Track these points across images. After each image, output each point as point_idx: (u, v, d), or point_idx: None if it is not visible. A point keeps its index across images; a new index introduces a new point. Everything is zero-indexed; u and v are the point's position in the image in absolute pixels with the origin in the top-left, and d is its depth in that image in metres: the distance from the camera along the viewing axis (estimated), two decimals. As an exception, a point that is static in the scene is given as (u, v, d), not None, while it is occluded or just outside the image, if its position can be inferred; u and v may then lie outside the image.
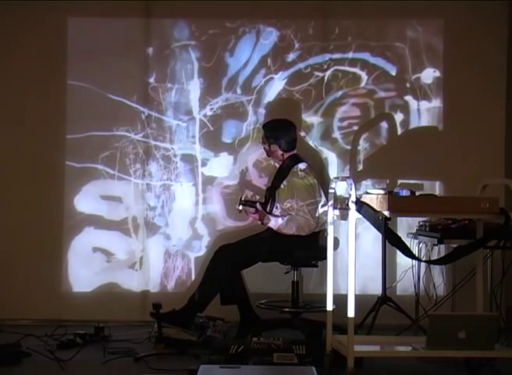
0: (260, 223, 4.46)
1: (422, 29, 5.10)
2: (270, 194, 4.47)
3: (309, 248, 4.29)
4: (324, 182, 4.60)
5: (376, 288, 4.53)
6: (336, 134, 5.12)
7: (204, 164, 5.11)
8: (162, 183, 5.11)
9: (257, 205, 4.40)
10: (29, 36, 5.07)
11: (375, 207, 3.35)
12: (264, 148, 4.57)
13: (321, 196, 4.38)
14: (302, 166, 4.40)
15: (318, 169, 4.89)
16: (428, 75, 5.11)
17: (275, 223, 4.34)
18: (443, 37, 5.09)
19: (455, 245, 4.06)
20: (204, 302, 4.30)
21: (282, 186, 4.39)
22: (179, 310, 4.29)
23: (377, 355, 3.62)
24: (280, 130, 4.50)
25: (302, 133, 5.04)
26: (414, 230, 4.54)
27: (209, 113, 5.12)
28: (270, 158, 4.71)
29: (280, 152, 4.49)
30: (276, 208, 4.42)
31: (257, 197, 4.60)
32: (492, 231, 3.52)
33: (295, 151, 4.52)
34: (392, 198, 3.36)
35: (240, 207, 4.44)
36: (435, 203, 3.48)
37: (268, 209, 4.42)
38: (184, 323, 4.21)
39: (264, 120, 4.92)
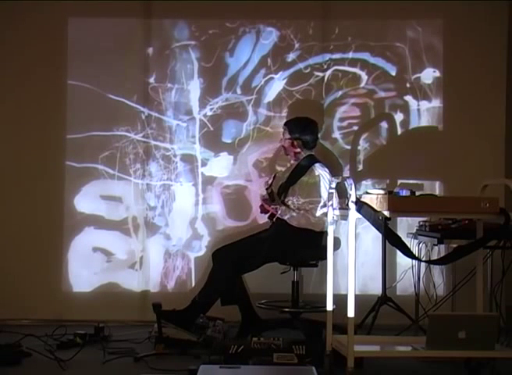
0: (268, 217, 4.49)
1: (422, 29, 5.10)
2: (284, 190, 4.48)
3: (310, 248, 4.30)
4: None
5: (376, 288, 4.54)
6: (336, 134, 5.12)
7: (204, 164, 5.11)
8: (162, 183, 5.11)
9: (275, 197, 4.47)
10: (29, 36, 5.07)
11: (375, 207, 3.35)
12: (284, 145, 4.58)
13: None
14: (316, 165, 4.44)
15: (335, 169, 4.88)
16: (428, 75, 5.11)
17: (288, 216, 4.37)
18: (443, 37, 5.09)
19: (455, 245, 4.06)
20: (206, 304, 4.30)
21: (297, 184, 4.43)
22: (182, 310, 4.29)
23: (377, 355, 3.61)
24: (307, 127, 4.57)
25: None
26: (414, 230, 4.54)
27: (209, 113, 5.12)
28: (270, 158, 4.73)
29: (300, 150, 4.53)
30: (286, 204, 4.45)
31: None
32: (492, 231, 3.52)
33: (313, 152, 4.57)
34: (392, 198, 3.35)
35: (268, 190, 4.48)
36: (435, 203, 3.48)
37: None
38: (185, 324, 4.21)
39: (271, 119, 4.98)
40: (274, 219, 4.48)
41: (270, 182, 4.58)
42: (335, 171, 4.74)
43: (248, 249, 4.34)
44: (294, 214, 4.36)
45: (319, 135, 4.83)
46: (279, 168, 5.01)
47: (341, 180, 3.61)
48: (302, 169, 4.46)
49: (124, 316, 4.90)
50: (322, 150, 4.99)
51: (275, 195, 4.49)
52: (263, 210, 4.58)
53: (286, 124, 4.64)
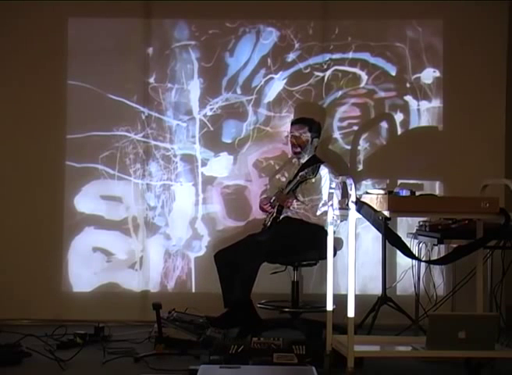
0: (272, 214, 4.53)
1: (422, 29, 5.10)
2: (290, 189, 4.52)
3: (315, 245, 4.30)
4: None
5: (376, 288, 4.54)
6: (336, 134, 5.12)
7: (204, 164, 5.11)
8: (162, 183, 5.11)
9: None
10: (29, 36, 5.07)
11: (375, 207, 3.35)
12: (299, 144, 4.60)
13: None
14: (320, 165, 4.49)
15: (340, 169, 4.89)
16: (428, 75, 5.11)
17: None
18: (443, 37, 5.09)
19: (455, 245, 4.06)
20: (244, 299, 4.32)
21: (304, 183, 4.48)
22: (228, 312, 4.33)
23: (377, 355, 3.61)
24: (321, 129, 4.70)
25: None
26: (414, 230, 4.54)
27: (209, 113, 5.12)
28: (270, 158, 4.78)
29: (312, 148, 4.63)
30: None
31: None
32: (492, 231, 3.52)
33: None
34: (392, 198, 3.35)
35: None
36: (435, 203, 3.48)
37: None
38: (237, 323, 4.26)
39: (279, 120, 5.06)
40: (277, 221, 4.51)
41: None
42: (340, 171, 4.73)
43: (253, 243, 4.36)
44: (291, 213, 4.38)
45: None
46: (277, 166, 5.04)
47: (341, 180, 3.62)
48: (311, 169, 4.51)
49: (124, 316, 4.90)
50: (326, 150, 5.00)
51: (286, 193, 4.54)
52: (263, 210, 4.63)
53: (305, 122, 4.65)
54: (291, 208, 4.46)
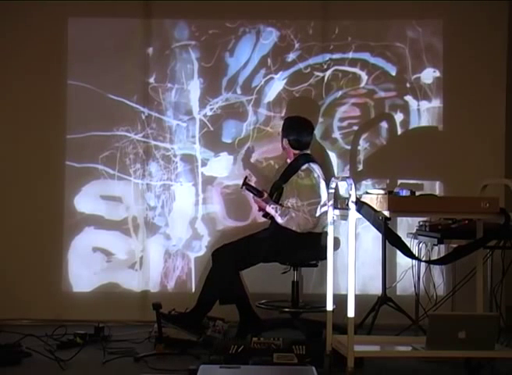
0: (261, 213, 4.51)
1: (422, 29, 5.10)
2: (275, 189, 4.49)
3: (309, 249, 4.30)
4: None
5: (376, 288, 4.54)
6: (336, 134, 5.12)
7: (204, 164, 5.11)
8: (162, 183, 5.11)
9: (265, 197, 4.44)
10: (29, 36, 5.07)
11: (375, 207, 3.35)
12: (281, 143, 4.63)
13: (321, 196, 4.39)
14: (306, 166, 4.41)
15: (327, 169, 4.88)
16: (428, 75, 5.11)
17: (280, 220, 4.35)
18: (443, 37, 5.09)
19: (455, 245, 4.06)
20: (207, 303, 4.31)
21: (287, 183, 4.42)
22: (187, 312, 4.31)
23: (377, 355, 3.61)
24: (294, 127, 4.56)
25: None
26: (414, 230, 4.54)
27: (209, 113, 5.12)
28: (270, 158, 4.80)
29: (291, 150, 4.54)
30: (280, 205, 4.43)
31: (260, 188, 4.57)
32: (492, 231, 3.52)
33: (308, 151, 4.56)
34: (392, 198, 3.36)
35: (243, 188, 4.49)
36: (435, 203, 3.48)
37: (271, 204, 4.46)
38: (191, 324, 4.22)
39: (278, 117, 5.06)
40: (268, 218, 4.50)
41: (242, 184, 4.55)
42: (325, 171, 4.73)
43: (248, 248, 4.34)
44: (293, 214, 4.35)
45: (320, 134, 4.90)
46: (277, 166, 5.03)
47: (340, 179, 3.62)
48: (293, 169, 4.45)
49: (124, 316, 4.90)
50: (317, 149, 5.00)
51: (263, 192, 4.49)
52: (260, 208, 4.59)
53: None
54: (268, 210, 4.43)
